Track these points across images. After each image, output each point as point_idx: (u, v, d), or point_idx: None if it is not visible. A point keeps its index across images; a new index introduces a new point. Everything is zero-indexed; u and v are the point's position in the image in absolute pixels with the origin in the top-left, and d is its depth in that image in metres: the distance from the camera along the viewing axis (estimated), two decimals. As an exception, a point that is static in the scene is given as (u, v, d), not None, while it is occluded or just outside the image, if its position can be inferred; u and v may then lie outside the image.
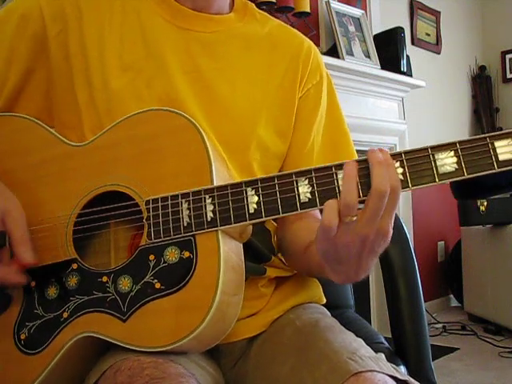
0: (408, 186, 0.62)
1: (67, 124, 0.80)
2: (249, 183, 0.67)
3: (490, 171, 0.61)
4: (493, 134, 0.61)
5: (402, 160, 0.62)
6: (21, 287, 0.72)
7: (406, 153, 0.62)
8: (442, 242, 3.62)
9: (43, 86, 0.81)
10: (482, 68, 4.00)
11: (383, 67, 2.85)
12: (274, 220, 0.88)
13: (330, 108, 0.91)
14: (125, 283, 0.68)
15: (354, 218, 0.61)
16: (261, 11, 0.92)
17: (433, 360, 1.07)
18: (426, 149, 0.62)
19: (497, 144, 0.60)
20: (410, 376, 0.72)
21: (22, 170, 0.77)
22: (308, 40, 0.92)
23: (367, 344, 0.75)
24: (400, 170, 0.62)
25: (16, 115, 0.80)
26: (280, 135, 0.85)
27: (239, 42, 0.85)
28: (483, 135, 0.61)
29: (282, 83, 0.86)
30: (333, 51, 2.68)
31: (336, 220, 0.60)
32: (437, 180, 0.62)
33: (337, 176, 0.63)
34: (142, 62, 0.79)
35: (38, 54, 0.79)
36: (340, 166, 0.64)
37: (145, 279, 0.67)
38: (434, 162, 0.61)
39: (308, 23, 2.60)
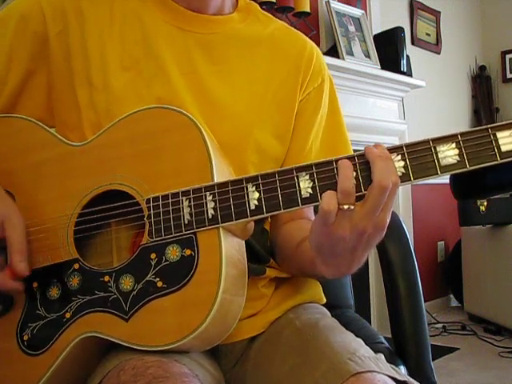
0: (409, 179, 0.62)
1: (68, 124, 0.80)
2: (249, 179, 0.67)
3: (493, 162, 0.60)
4: (494, 125, 0.61)
5: (404, 153, 0.62)
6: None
7: (407, 146, 0.62)
8: (442, 242, 3.62)
9: (45, 87, 0.80)
10: (482, 68, 4.00)
11: (383, 67, 2.85)
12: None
13: (331, 111, 0.90)
14: (127, 282, 0.68)
15: (352, 207, 0.61)
16: (265, 12, 0.92)
17: (433, 360, 1.07)
18: (427, 141, 0.62)
19: (499, 135, 0.60)
20: (410, 376, 0.72)
21: (22, 171, 0.77)
22: (311, 42, 0.92)
23: (367, 344, 0.75)
24: (401, 163, 0.62)
25: (15, 116, 0.79)
26: (278, 138, 0.85)
27: (239, 43, 0.85)
28: (485, 126, 0.61)
29: (283, 86, 0.85)
30: (333, 51, 2.68)
31: (335, 205, 0.60)
32: (439, 172, 0.61)
33: (337, 171, 0.63)
34: (142, 63, 0.79)
35: (38, 54, 0.79)
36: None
37: (146, 278, 0.67)
38: (436, 154, 0.62)
39: (308, 23, 2.60)
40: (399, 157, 0.62)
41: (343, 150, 0.89)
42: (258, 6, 0.91)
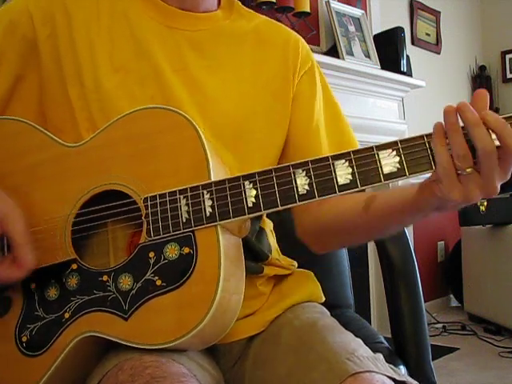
0: (405, 175, 0.62)
1: (61, 128, 0.79)
2: (246, 177, 0.67)
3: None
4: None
5: (399, 148, 0.62)
6: (20, 289, 0.72)
7: (401, 141, 0.63)
8: (442, 242, 3.62)
9: (36, 91, 0.80)
10: (482, 68, 4.00)
11: (383, 67, 2.85)
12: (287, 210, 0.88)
13: (325, 95, 0.92)
14: (125, 281, 0.68)
15: (469, 170, 0.59)
16: (246, 8, 0.93)
17: (433, 360, 1.07)
18: (421, 136, 0.62)
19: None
20: (410, 376, 0.72)
21: (19, 173, 0.76)
22: (294, 33, 0.94)
23: (367, 344, 0.75)
24: (396, 159, 0.62)
25: (9, 118, 0.79)
26: (275, 125, 0.86)
27: (227, 39, 0.86)
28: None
29: (274, 75, 0.86)
30: (333, 51, 2.68)
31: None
32: (434, 167, 0.61)
33: (334, 167, 0.64)
34: (133, 62, 0.79)
35: (28, 59, 0.79)
36: (337, 157, 0.64)
37: (145, 277, 0.67)
38: (430, 149, 0.61)
39: (308, 23, 2.60)
40: (394, 152, 0.62)
41: (346, 128, 0.90)
42: (239, 2, 0.92)
